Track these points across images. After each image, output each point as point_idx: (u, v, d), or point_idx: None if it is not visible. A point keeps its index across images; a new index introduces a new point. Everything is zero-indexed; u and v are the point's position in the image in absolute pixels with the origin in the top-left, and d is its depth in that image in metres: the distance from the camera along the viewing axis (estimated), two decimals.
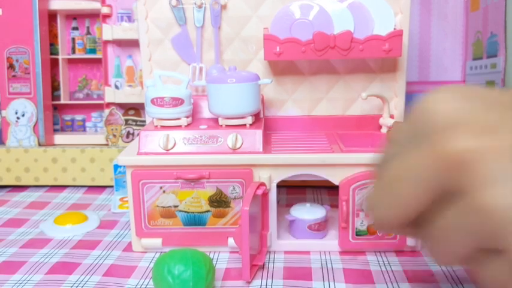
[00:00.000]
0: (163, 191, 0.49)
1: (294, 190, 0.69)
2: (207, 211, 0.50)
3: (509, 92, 0.29)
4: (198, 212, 0.50)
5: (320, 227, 0.51)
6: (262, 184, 0.48)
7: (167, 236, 0.50)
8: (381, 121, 0.56)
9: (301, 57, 0.54)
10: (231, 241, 0.50)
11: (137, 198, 0.49)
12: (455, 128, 0.27)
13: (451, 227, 0.28)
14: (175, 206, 0.50)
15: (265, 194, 0.49)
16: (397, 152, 0.31)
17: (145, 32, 0.59)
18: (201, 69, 0.60)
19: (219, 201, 0.49)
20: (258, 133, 0.50)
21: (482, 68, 0.73)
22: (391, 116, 0.57)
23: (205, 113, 0.57)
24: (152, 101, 0.51)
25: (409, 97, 0.79)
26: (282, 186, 0.69)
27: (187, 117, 0.52)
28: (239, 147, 0.49)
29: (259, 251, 0.49)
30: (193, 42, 0.60)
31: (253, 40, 0.59)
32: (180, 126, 0.51)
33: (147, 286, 0.44)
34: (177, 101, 0.51)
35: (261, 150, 0.49)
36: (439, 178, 0.27)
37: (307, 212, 0.52)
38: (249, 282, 0.44)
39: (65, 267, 0.48)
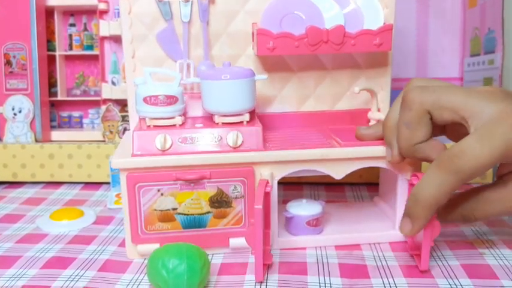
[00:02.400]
0: (161, 194, 0.48)
1: (291, 187, 0.69)
2: (208, 212, 0.49)
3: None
4: (198, 214, 0.49)
5: (318, 223, 0.51)
6: (267, 182, 0.47)
7: (165, 241, 0.48)
8: (370, 115, 0.57)
9: (294, 52, 0.53)
10: (233, 242, 0.49)
11: (133, 203, 0.47)
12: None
13: None
14: (174, 209, 0.48)
15: (267, 192, 0.48)
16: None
17: (129, 27, 0.57)
18: (188, 66, 0.58)
19: (220, 202, 0.48)
20: (259, 130, 0.49)
21: (480, 64, 0.73)
22: (379, 110, 0.57)
23: (196, 111, 0.56)
24: (145, 100, 0.49)
25: None
26: (279, 183, 0.69)
27: (181, 115, 0.51)
28: (240, 145, 0.48)
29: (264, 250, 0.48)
30: (179, 38, 0.58)
31: (240, 35, 0.58)
32: (175, 125, 0.50)
33: (142, 281, 0.44)
34: (171, 99, 0.49)
35: (262, 147, 0.49)
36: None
37: (304, 208, 0.51)
38: (261, 282, 0.44)
39: (60, 262, 0.48)
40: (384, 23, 0.55)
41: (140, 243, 0.49)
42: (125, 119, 0.74)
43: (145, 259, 0.48)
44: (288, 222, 0.52)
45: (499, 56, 0.67)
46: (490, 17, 0.69)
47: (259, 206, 0.42)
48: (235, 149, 0.48)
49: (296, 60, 0.59)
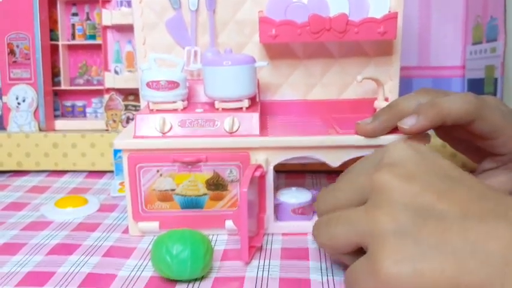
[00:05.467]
0: (160, 175, 0.49)
1: (293, 175, 0.69)
2: (204, 194, 0.50)
3: (459, 170, 0.37)
4: (195, 196, 0.50)
5: (304, 211, 0.52)
6: (260, 166, 0.48)
7: (164, 220, 0.51)
8: (376, 104, 0.57)
9: (296, 40, 0.54)
10: (228, 224, 0.50)
11: (134, 182, 0.49)
12: (390, 167, 0.36)
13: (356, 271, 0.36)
14: (173, 190, 0.50)
15: (262, 177, 0.49)
16: (356, 169, 0.41)
17: (140, 15, 0.59)
18: (195, 53, 0.60)
19: (216, 185, 0.50)
20: (255, 116, 0.50)
21: (482, 52, 0.73)
22: (386, 99, 0.57)
23: (201, 97, 0.57)
24: (147, 84, 0.51)
25: (409, 82, 0.79)
26: (281, 171, 0.70)
27: (183, 100, 0.52)
28: (236, 130, 0.49)
29: (256, 233, 0.49)
30: (187, 26, 0.60)
31: (247, 23, 0.59)
32: (176, 109, 0.51)
33: (146, 266, 0.45)
34: (173, 84, 0.51)
35: (257, 133, 0.49)
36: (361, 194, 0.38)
37: (292, 196, 0.52)
38: (247, 263, 0.45)
39: (65, 248, 0.48)
40: (390, 11, 0.55)
41: (141, 221, 0.51)
42: (128, 108, 0.75)
43: (149, 245, 0.49)
44: (276, 209, 0.52)
45: (501, 44, 0.67)
46: (492, 5, 0.69)
47: (245, 189, 0.43)
48: (232, 134, 0.49)
49: (302, 48, 0.60)
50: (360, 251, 0.37)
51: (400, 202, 0.34)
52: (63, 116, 0.80)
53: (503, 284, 0.29)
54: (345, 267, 0.39)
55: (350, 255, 0.39)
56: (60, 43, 0.77)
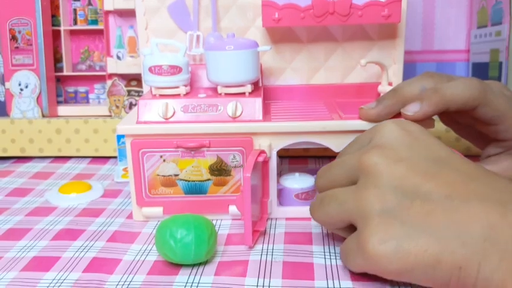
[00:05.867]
0: (164, 160, 0.50)
1: (296, 160, 0.69)
2: (208, 180, 0.50)
3: (448, 151, 0.38)
4: (199, 181, 0.50)
5: (307, 196, 0.52)
6: (263, 152, 0.48)
7: (168, 205, 0.51)
8: (380, 89, 0.56)
9: (300, 24, 0.54)
10: (232, 209, 0.50)
11: (137, 167, 0.50)
12: (379, 149, 0.38)
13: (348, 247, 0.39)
14: (176, 175, 0.50)
15: (265, 162, 0.49)
16: (348, 149, 0.44)
17: (142, 0, 0.59)
18: (198, 37, 0.59)
19: (220, 170, 0.50)
20: (258, 101, 0.50)
21: (486, 36, 0.72)
22: (390, 84, 0.56)
23: (203, 82, 0.57)
24: (150, 69, 0.51)
25: (413, 66, 0.79)
26: (285, 156, 0.70)
27: (185, 85, 0.52)
28: (239, 116, 0.49)
29: (260, 217, 0.49)
30: (190, 10, 0.59)
31: (250, 7, 0.59)
32: (179, 94, 0.51)
33: (151, 251, 0.45)
34: (175, 69, 0.51)
35: (260, 118, 0.49)
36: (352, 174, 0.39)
37: (295, 182, 0.52)
38: (251, 247, 0.45)
39: (69, 234, 0.49)
40: None
41: (145, 206, 0.51)
42: (130, 93, 0.75)
43: (153, 230, 0.49)
44: (279, 194, 0.53)
45: (506, 28, 0.66)
46: None
47: (247, 174, 0.43)
48: (235, 119, 0.49)
49: (305, 32, 0.59)
50: (354, 226, 0.38)
51: (387, 184, 0.36)
52: (66, 102, 0.80)
53: (481, 262, 0.31)
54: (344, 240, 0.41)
55: (345, 229, 0.41)
56: (62, 28, 0.76)
